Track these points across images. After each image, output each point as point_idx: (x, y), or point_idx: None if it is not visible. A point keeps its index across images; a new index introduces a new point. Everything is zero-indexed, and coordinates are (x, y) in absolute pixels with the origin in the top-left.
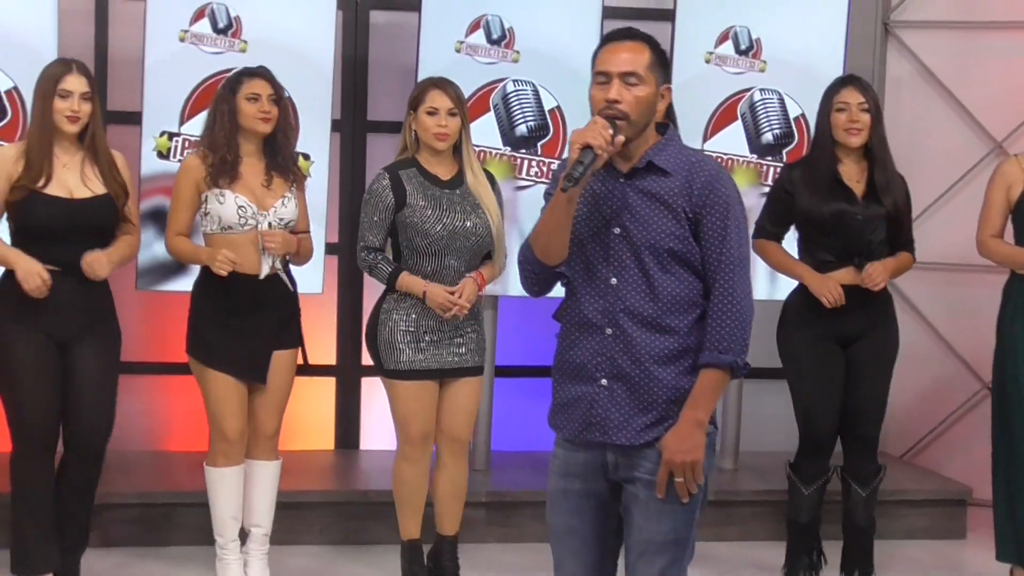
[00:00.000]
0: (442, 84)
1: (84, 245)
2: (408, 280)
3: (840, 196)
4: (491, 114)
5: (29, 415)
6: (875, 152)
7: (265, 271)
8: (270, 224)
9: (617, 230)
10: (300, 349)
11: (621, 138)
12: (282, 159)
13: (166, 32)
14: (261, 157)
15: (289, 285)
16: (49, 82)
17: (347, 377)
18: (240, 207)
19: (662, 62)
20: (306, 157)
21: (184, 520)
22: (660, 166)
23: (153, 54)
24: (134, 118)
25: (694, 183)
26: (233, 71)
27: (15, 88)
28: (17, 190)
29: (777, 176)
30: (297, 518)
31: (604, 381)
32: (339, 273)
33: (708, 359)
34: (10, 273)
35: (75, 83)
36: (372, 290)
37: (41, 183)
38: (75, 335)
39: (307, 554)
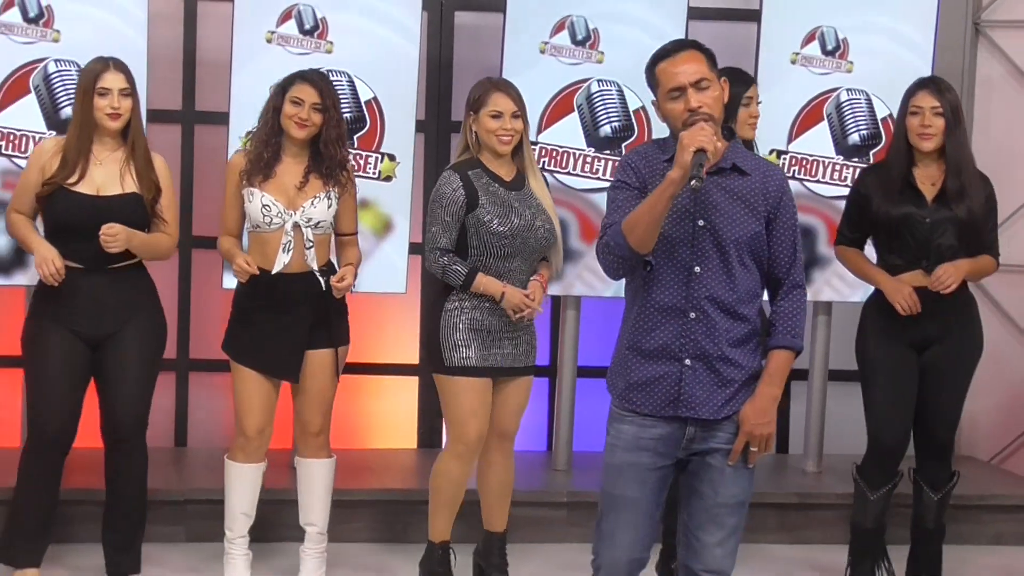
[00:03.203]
0: (504, 86)
1: None
2: (486, 281)
3: (909, 199)
4: (575, 114)
5: (45, 411)
6: (949, 156)
7: (278, 268)
8: (296, 224)
9: (701, 222)
10: (336, 351)
11: (723, 143)
12: (326, 167)
13: (253, 33)
14: (303, 160)
15: (323, 285)
16: (88, 79)
17: (430, 376)
18: (265, 206)
19: (713, 60)
20: (391, 158)
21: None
22: (741, 167)
23: (240, 55)
24: (222, 118)
25: (769, 185)
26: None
27: None
28: (48, 185)
29: (855, 179)
30: (379, 515)
31: (688, 361)
32: (422, 273)
33: (785, 342)
34: None
35: (113, 80)
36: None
37: (73, 180)
38: (108, 332)
39: (388, 552)
